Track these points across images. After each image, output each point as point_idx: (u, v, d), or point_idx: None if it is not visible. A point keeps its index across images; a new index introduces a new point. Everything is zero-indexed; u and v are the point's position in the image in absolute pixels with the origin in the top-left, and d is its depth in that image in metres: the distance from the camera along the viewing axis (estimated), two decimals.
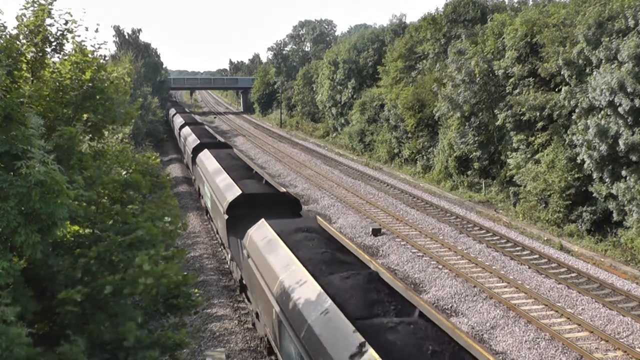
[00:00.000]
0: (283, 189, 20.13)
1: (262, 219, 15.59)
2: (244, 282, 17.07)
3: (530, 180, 29.48)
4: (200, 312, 17.44)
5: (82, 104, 10.75)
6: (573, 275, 21.15)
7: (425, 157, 42.05)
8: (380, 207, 30.96)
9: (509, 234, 26.26)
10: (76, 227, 9.90)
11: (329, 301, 9.81)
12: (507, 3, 43.32)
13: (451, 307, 18.70)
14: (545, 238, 26.07)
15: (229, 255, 20.10)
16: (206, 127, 49.06)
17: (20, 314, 7.62)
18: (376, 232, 26.13)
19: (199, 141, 34.71)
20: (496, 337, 16.58)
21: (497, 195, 33.46)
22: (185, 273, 10.66)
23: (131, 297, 9.33)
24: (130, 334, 8.55)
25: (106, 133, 12.46)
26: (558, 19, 29.75)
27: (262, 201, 18.89)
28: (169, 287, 9.65)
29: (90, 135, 11.66)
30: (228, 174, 22.84)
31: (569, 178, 26.98)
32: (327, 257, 12.45)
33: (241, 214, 18.02)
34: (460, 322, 17.45)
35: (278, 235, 13.82)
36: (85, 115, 11.06)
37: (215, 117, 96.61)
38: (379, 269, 11.42)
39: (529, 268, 21.79)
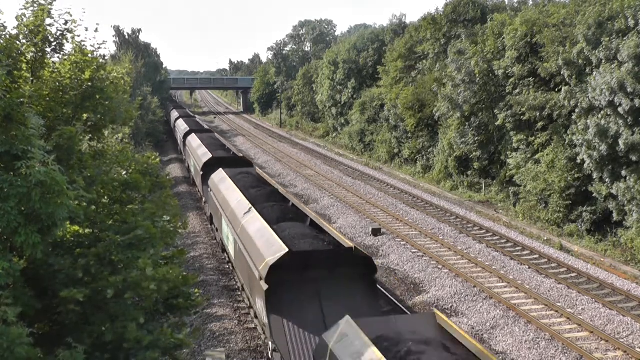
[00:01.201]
0: (241, 155, 31.98)
1: (220, 168, 24.36)
2: (211, 214, 24.88)
3: (530, 180, 29.47)
4: (200, 312, 17.45)
5: (82, 103, 10.76)
6: (573, 275, 21.15)
7: (425, 157, 42.04)
8: (380, 207, 30.96)
9: (509, 234, 26.26)
10: (76, 227, 9.90)
11: (244, 198, 18.50)
12: (507, 3, 43.30)
13: (451, 307, 18.70)
14: (545, 238, 26.07)
15: (204, 200, 28.46)
16: (196, 119, 59.47)
17: (21, 314, 7.62)
18: (376, 232, 26.13)
19: (188, 128, 44.15)
20: (496, 337, 16.58)
21: (497, 195, 33.46)
22: (185, 273, 10.66)
23: (131, 298, 9.33)
24: (131, 334, 8.55)
25: (106, 133, 12.46)
26: (558, 19, 29.74)
27: (225, 161, 27.98)
28: (169, 288, 9.65)
29: (90, 135, 11.66)
30: (206, 147, 32.13)
31: (569, 178, 26.97)
32: (253, 184, 21.83)
33: (211, 170, 25.47)
34: (460, 322, 17.46)
35: (227, 175, 22.73)
36: (85, 115, 11.07)
37: (215, 117, 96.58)
38: (278, 188, 21.01)
39: (529, 268, 21.79)
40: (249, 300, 16.53)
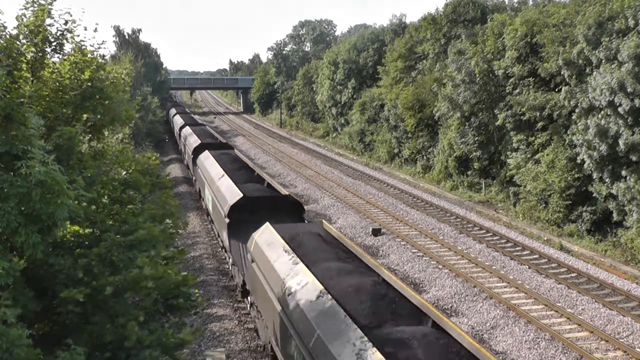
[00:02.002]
0: (225, 141, 39.17)
1: (206, 150, 30.32)
2: (199, 188, 30.12)
3: (530, 180, 29.47)
4: (200, 312, 17.44)
5: (82, 103, 10.76)
6: (573, 275, 21.15)
7: (425, 157, 42.03)
8: (380, 207, 30.95)
9: (509, 234, 26.25)
10: (76, 227, 9.90)
11: (221, 169, 23.72)
12: (507, 3, 43.29)
13: (451, 307, 18.70)
14: (545, 238, 26.07)
15: (194, 179, 34.72)
16: (191, 115, 68.12)
17: (21, 314, 7.61)
18: (376, 232, 26.12)
19: (183, 122, 51.27)
20: (496, 337, 16.57)
21: (497, 195, 33.45)
22: (185, 273, 10.65)
23: (131, 298, 9.32)
24: (131, 333, 8.54)
25: (106, 133, 12.46)
26: (558, 19, 29.73)
27: (211, 146, 33.92)
28: (169, 287, 9.64)
29: (90, 135, 11.66)
30: (197, 136, 38.98)
31: (569, 178, 26.96)
32: (231, 161, 26.96)
33: (200, 153, 31.12)
34: (460, 322, 17.46)
35: (211, 155, 28.09)
36: (85, 115, 11.07)
37: (215, 117, 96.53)
38: (256, 169, 25.37)
39: (529, 268, 21.79)
40: (222, 243, 21.97)
